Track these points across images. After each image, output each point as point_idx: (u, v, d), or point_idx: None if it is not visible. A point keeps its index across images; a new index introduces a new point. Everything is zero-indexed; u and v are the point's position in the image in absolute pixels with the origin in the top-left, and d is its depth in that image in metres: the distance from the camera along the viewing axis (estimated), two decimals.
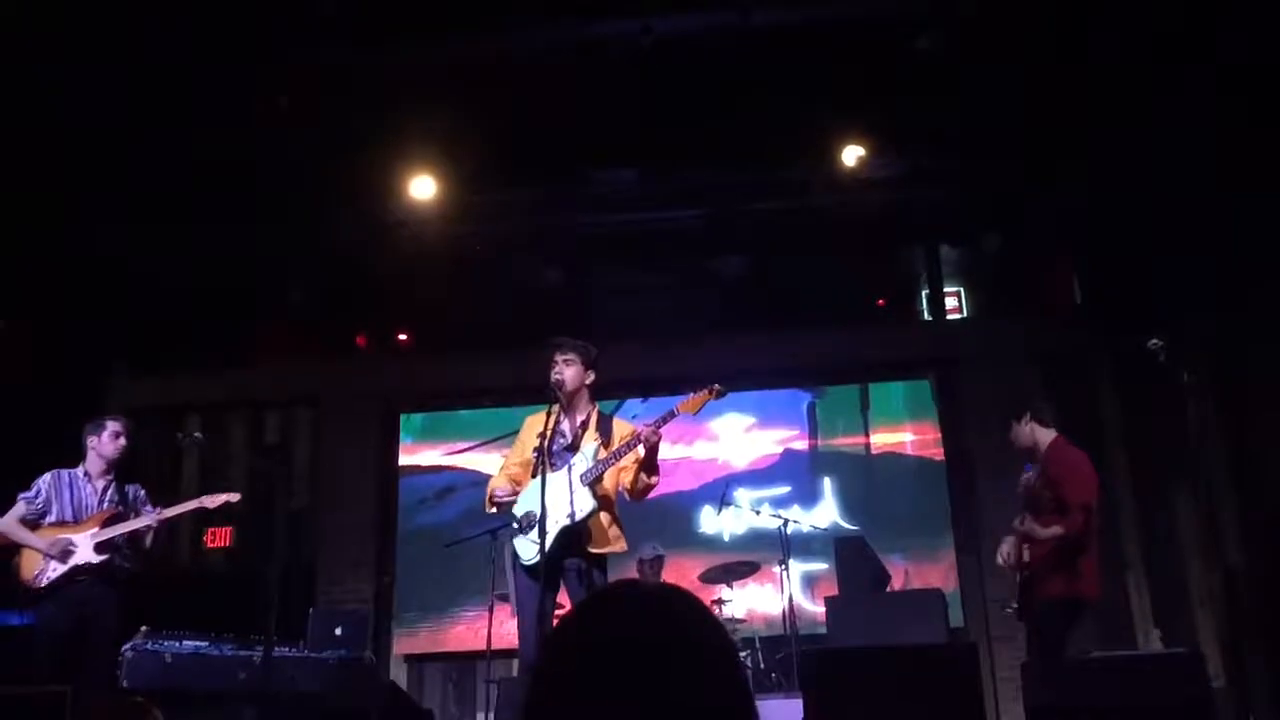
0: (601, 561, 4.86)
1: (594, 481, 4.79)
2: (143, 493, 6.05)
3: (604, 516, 4.86)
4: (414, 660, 8.76)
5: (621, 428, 5.00)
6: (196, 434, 7.21)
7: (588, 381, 5.00)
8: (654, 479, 4.94)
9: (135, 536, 5.80)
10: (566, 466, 4.81)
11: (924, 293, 9.37)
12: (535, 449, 4.76)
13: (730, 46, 6.71)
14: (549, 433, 4.78)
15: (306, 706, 5.36)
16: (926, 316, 9.37)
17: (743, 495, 8.50)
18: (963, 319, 9.33)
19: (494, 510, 5.09)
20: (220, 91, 6.68)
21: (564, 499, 4.73)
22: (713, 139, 7.43)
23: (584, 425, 4.95)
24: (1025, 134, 7.38)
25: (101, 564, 5.62)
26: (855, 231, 8.37)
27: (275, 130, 6.90)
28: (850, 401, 9.14)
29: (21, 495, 5.75)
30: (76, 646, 5.47)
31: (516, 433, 5.22)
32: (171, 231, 7.90)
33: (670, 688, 1.16)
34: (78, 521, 5.72)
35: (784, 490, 8.81)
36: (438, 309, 9.07)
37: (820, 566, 8.30)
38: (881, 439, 9.01)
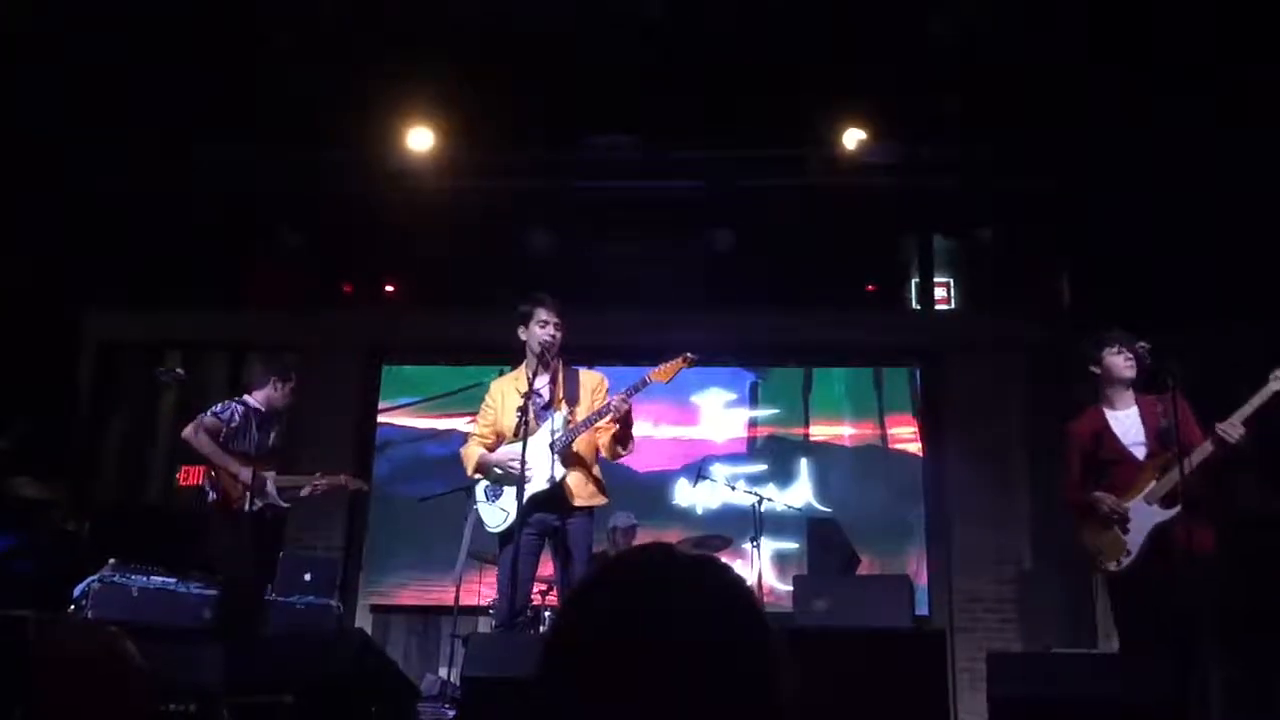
0: (581, 514, 4.90)
1: (564, 448, 4.84)
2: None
3: (581, 474, 4.92)
4: (380, 611, 8.75)
5: (589, 379, 5.06)
6: (177, 369, 7.20)
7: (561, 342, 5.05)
8: (627, 450, 5.02)
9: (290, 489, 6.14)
10: (547, 426, 4.84)
11: (914, 281, 9.37)
12: (519, 409, 4.76)
13: (737, 19, 6.67)
14: (529, 395, 4.81)
15: (272, 648, 5.34)
16: (915, 305, 9.38)
17: (719, 470, 8.52)
18: (951, 310, 9.35)
19: (478, 477, 5.11)
20: (219, 24, 6.59)
21: (544, 461, 4.76)
22: (714, 112, 7.40)
23: (553, 381, 5.00)
24: (1027, 129, 7.37)
25: (281, 509, 6.04)
26: (850, 215, 8.36)
27: (275, 67, 6.82)
28: (793, 386, 9.13)
29: (214, 412, 5.95)
30: (249, 580, 5.89)
31: (464, 390, 5.25)
32: (163, 165, 7.82)
33: (700, 673, 1.10)
34: (250, 457, 5.93)
35: (760, 468, 8.83)
36: (427, 263, 9.02)
37: (791, 546, 8.34)
38: (820, 430, 9.01)
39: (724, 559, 7.70)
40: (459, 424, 8.47)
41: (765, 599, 7.14)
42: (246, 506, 5.84)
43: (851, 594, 6.28)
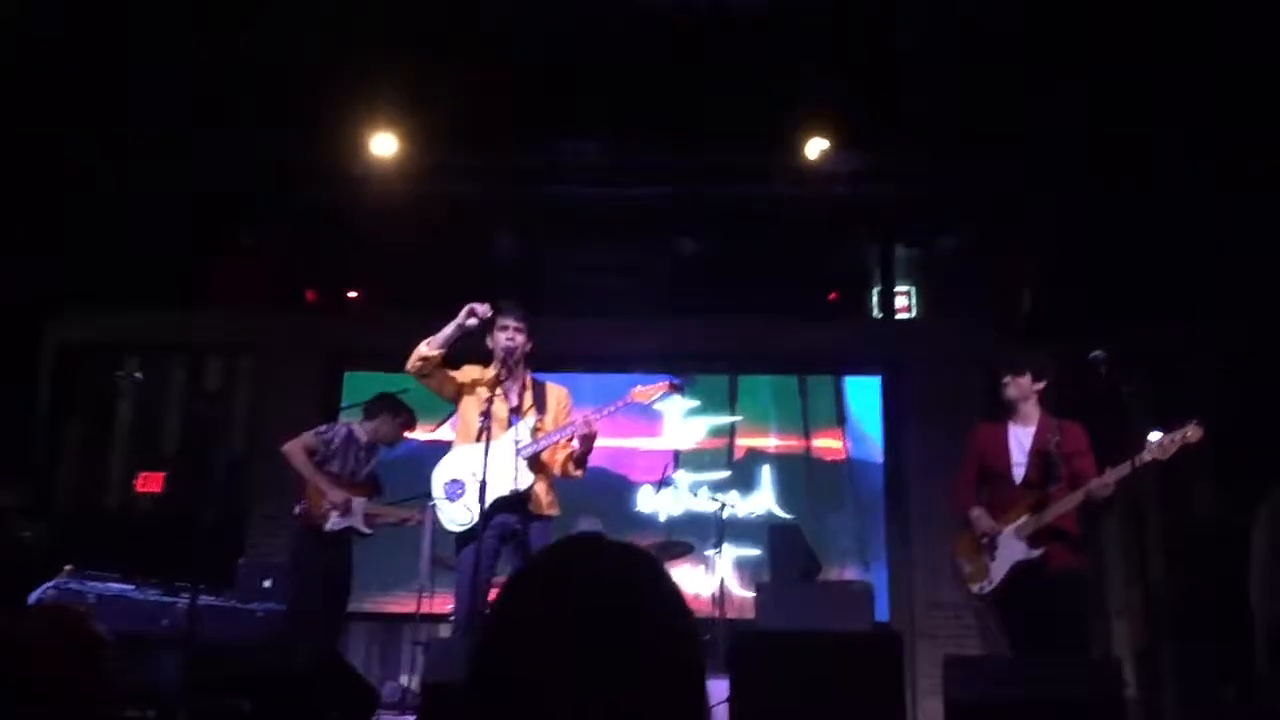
0: (541, 521, 4.92)
1: (531, 457, 4.86)
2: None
3: (545, 483, 4.94)
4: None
5: (555, 391, 5.09)
6: (136, 374, 7.18)
7: (528, 349, 5.06)
8: (580, 472, 5.05)
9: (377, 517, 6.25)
10: (513, 431, 4.84)
11: (876, 290, 9.45)
12: (481, 413, 4.77)
13: (703, 27, 6.71)
14: (493, 397, 4.82)
15: (230, 656, 5.30)
16: (877, 314, 9.45)
17: (682, 477, 8.54)
18: (912, 319, 9.43)
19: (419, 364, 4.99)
20: (182, 26, 6.56)
21: (509, 465, 4.77)
22: (680, 119, 7.43)
23: (522, 389, 5.02)
24: (989, 138, 7.46)
25: (363, 535, 6.13)
26: (813, 224, 8.43)
27: (239, 71, 6.78)
28: (718, 392, 9.14)
29: (317, 432, 6.13)
30: (328, 595, 6.01)
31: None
32: (124, 167, 7.75)
33: (621, 657, 1.13)
34: (344, 481, 6.09)
35: (723, 475, 8.86)
36: (391, 269, 8.99)
37: (753, 553, 8.37)
38: (745, 442, 9.02)
39: (686, 565, 7.76)
40: (418, 435, 8.45)
41: (727, 606, 7.16)
42: (328, 525, 5.98)
43: (813, 600, 6.33)
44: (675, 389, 5.01)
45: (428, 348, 4.91)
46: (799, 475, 8.91)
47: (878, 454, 8.98)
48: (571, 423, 4.89)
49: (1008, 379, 5.25)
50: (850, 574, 8.35)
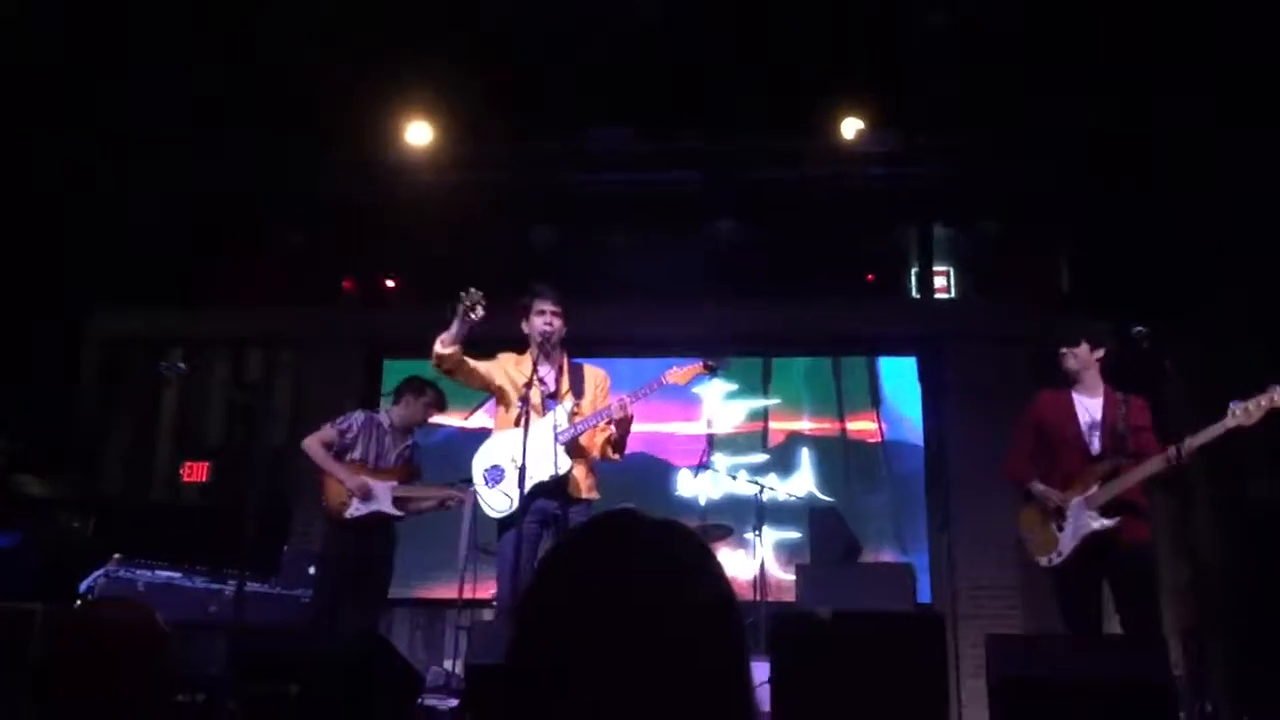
0: (581, 505, 4.94)
1: (569, 441, 4.88)
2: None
3: (584, 467, 4.95)
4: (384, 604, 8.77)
5: (593, 374, 5.11)
6: (179, 363, 7.25)
7: (563, 333, 5.08)
8: (618, 456, 5.05)
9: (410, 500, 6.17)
10: (551, 416, 4.86)
11: (914, 270, 9.38)
12: (520, 398, 4.79)
13: (737, 11, 6.69)
14: (532, 382, 4.83)
15: (276, 641, 5.37)
16: (915, 294, 9.39)
17: (720, 460, 8.54)
18: (950, 299, 9.36)
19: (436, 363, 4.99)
20: (218, 22, 6.61)
21: (548, 450, 4.78)
22: (713, 104, 7.42)
23: (559, 373, 5.03)
24: (1026, 119, 7.39)
25: (394, 518, 6.07)
26: (849, 205, 8.38)
27: (275, 64, 6.83)
28: (752, 375, 9.10)
29: (333, 423, 6.11)
30: (352, 582, 5.94)
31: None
32: (164, 163, 7.84)
33: (662, 638, 1.12)
34: (374, 468, 6.07)
35: (762, 458, 8.85)
36: (428, 258, 9.02)
37: (793, 535, 8.35)
38: (779, 425, 8.99)
39: (726, 549, 7.74)
40: (455, 421, 8.52)
41: (767, 589, 7.16)
42: (349, 513, 5.95)
43: (854, 581, 6.33)
44: (710, 370, 5.00)
45: (441, 346, 4.89)
46: (835, 457, 8.88)
47: (914, 435, 8.93)
48: (608, 406, 4.89)
49: (1064, 350, 5.15)
50: (887, 556, 8.30)
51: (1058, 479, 5.05)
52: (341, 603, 5.93)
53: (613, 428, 4.93)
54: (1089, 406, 5.11)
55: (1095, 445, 5.01)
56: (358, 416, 6.24)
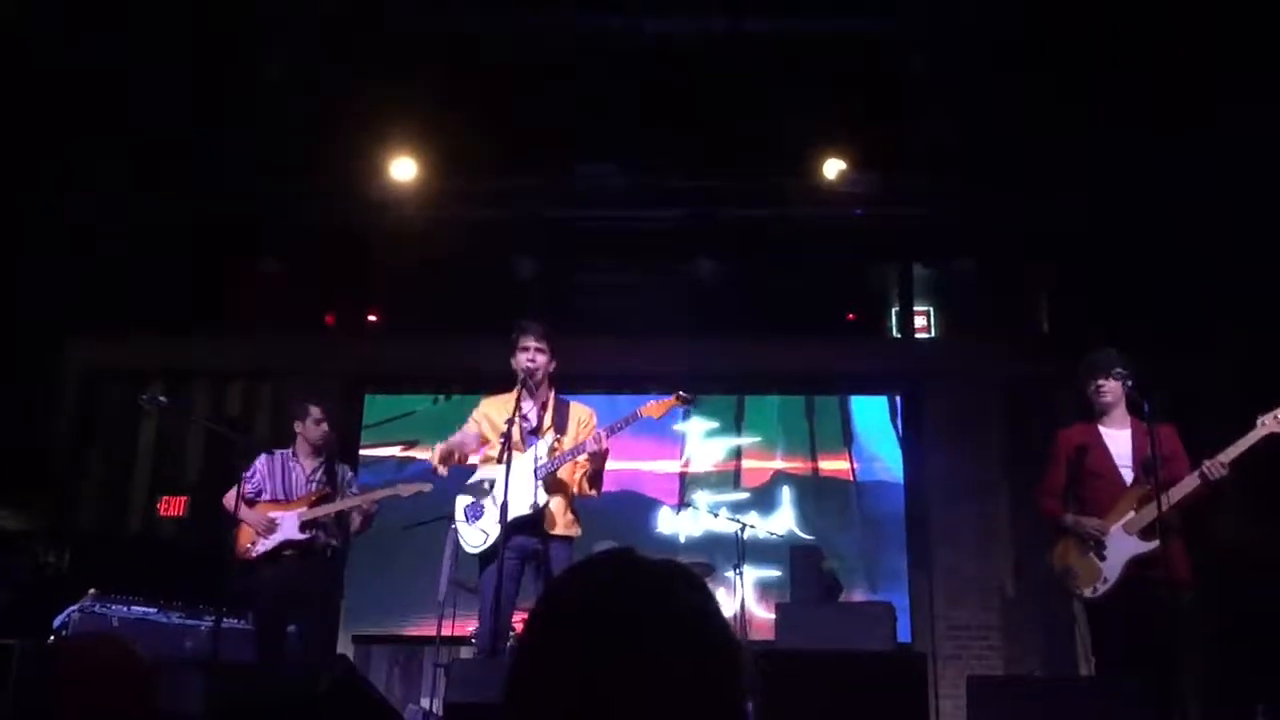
0: (561, 542, 4.93)
1: (547, 475, 4.89)
2: (350, 474, 6.48)
3: (560, 502, 4.96)
4: (362, 642, 8.71)
5: (578, 412, 5.13)
6: (160, 396, 7.22)
7: (550, 369, 5.09)
8: (595, 491, 5.06)
9: (341, 515, 6.17)
10: (532, 451, 4.87)
11: (894, 310, 9.45)
12: (502, 434, 4.80)
13: (720, 52, 6.76)
14: (515, 418, 4.84)
15: (254, 678, 5.32)
16: (895, 334, 9.45)
17: (701, 498, 8.53)
18: (931, 339, 9.42)
19: (443, 471, 5.10)
20: (202, 52, 6.63)
21: (528, 485, 4.78)
22: (698, 142, 7.47)
23: (543, 409, 5.05)
24: (1004, 160, 7.47)
25: (305, 540, 5.99)
26: (831, 244, 8.44)
27: (259, 97, 6.85)
28: (725, 414, 9.14)
29: (243, 474, 6.04)
30: (284, 614, 5.94)
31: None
32: (148, 194, 7.84)
33: (666, 680, 1.10)
34: (288, 501, 6.09)
35: (743, 496, 8.85)
36: (411, 292, 9.03)
37: (774, 573, 8.34)
38: (751, 464, 9.01)
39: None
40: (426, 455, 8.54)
41: (748, 627, 7.14)
42: (254, 552, 5.94)
43: (834, 620, 6.31)
44: (685, 401, 5.02)
45: (433, 459, 5.12)
46: (809, 496, 8.90)
47: (886, 474, 8.97)
48: (586, 440, 4.91)
49: (1102, 382, 5.09)
50: (857, 595, 8.30)
51: (1093, 512, 5.00)
52: (281, 638, 5.88)
53: (589, 463, 4.95)
54: (1117, 439, 5.08)
55: (1128, 477, 4.97)
56: (260, 460, 6.23)
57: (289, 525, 6.01)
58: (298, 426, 6.28)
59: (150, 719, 2.21)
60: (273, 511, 6.04)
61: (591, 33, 6.75)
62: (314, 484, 6.19)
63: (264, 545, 5.97)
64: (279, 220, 8.38)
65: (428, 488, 6.21)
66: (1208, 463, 4.70)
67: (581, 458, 4.95)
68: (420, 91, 7.01)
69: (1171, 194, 7.19)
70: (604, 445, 4.87)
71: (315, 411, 6.26)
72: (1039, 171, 7.50)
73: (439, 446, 5.10)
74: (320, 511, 6.07)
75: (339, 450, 6.55)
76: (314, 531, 6.04)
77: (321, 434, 6.27)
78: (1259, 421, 4.68)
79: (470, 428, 5.20)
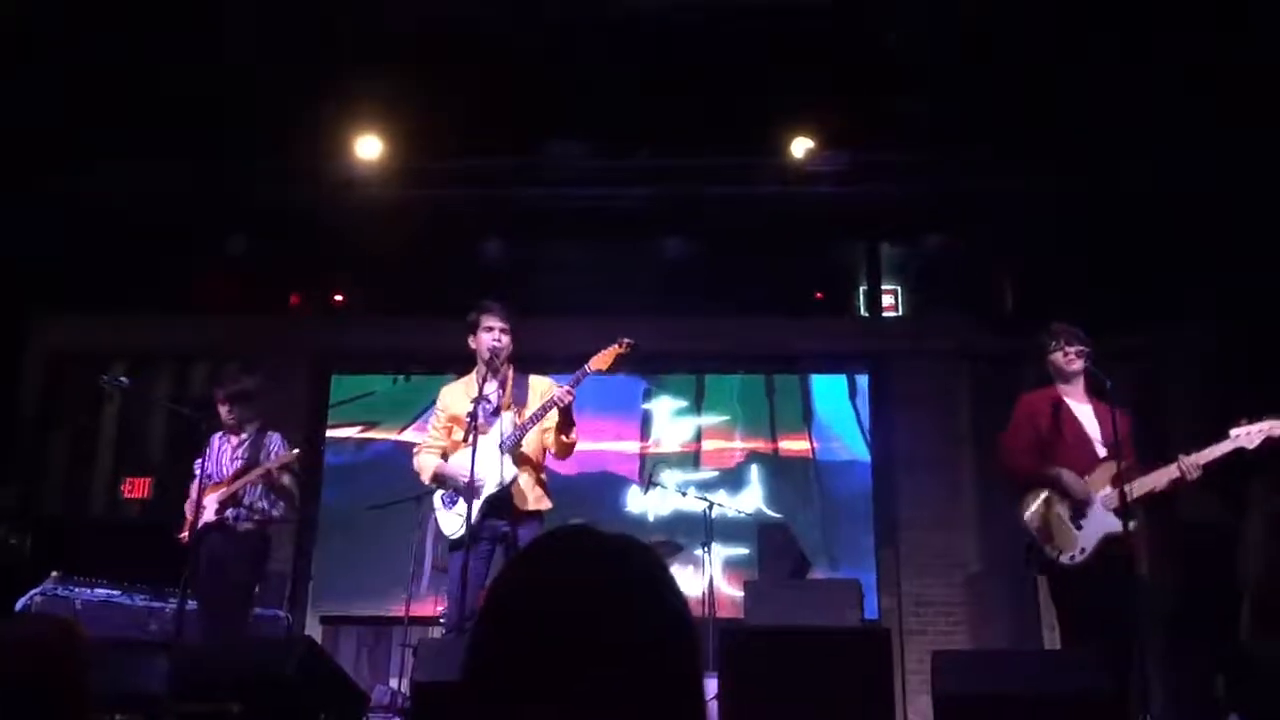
0: (531, 520, 4.94)
1: (513, 448, 4.89)
2: (276, 440, 6.21)
3: (528, 478, 4.96)
4: (330, 623, 8.68)
5: (538, 384, 5.12)
6: (121, 378, 7.13)
7: (510, 349, 5.09)
8: (573, 435, 5.08)
9: (271, 485, 6.03)
10: (496, 428, 4.87)
11: (861, 289, 9.47)
12: (469, 413, 4.79)
13: (687, 29, 6.73)
14: (478, 403, 4.84)
15: (218, 656, 5.29)
16: (863, 312, 9.48)
17: (669, 476, 8.55)
18: (898, 317, 9.45)
19: (435, 485, 5.16)
20: (168, 30, 6.54)
21: (494, 464, 4.79)
22: (665, 120, 7.44)
23: (502, 386, 5.05)
24: (971, 137, 7.49)
25: (217, 521, 5.90)
26: (799, 223, 8.44)
27: (224, 74, 6.76)
28: (685, 394, 9.16)
29: (197, 460, 5.99)
30: (217, 594, 5.83)
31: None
32: (111, 173, 7.73)
33: (619, 653, 1.11)
34: (215, 484, 5.99)
35: (712, 474, 8.87)
36: (376, 271, 8.96)
37: (742, 551, 8.37)
38: (712, 444, 9.03)
39: (676, 565, 7.77)
40: (391, 435, 8.53)
41: (716, 606, 7.17)
42: (186, 536, 5.86)
43: (802, 598, 6.36)
44: (628, 348, 5.02)
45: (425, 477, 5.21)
46: (770, 474, 8.93)
47: (845, 453, 9.01)
48: (551, 399, 4.91)
49: (1070, 349, 5.04)
50: (818, 574, 8.34)
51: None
52: (231, 620, 5.84)
53: (559, 415, 4.93)
54: (1083, 411, 5.06)
55: (1101, 451, 4.94)
56: (211, 442, 6.13)
57: (210, 508, 5.92)
58: (218, 408, 6.18)
59: (89, 693, 2.17)
60: (208, 495, 5.94)
61: (558, 10, 6.70)
62: (238, 461, 6.10)
63: (190, 531, 5.89)
64: (244, 200, 8.28)
65: (295, 451, 6.14)
66: (1184, 461, 4.69)
67: (549, 419, 4.94)
68: (386, 69, 6.94)
69: (1143, 176, 7.23)
70: (569, 397, 4.88)
71: (222, 392, 6.19)
72: (1008, 151, 7.52)
73: (435, 469, 5.10)
74: (224, 492, 5.99)
75: (266, 424, 6.34)
76: (226, 510, 5.96)
77: (230, 413, 6.15)
78: (1232, 434, 4.67)
79: (442, 439, 5.18)
